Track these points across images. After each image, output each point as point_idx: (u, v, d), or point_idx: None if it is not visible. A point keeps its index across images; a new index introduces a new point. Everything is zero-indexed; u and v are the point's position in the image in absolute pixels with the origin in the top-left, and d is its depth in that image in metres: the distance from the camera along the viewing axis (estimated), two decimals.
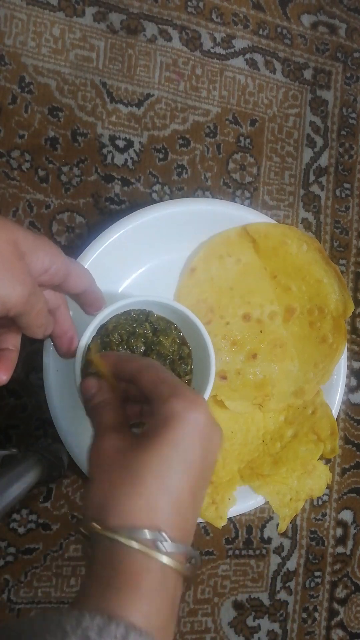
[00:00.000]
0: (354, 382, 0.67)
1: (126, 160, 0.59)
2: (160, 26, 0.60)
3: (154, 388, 0.34)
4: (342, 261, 0.66)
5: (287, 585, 0.63)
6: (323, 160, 0.66)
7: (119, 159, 0.59)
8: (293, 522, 0.64)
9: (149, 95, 0.60)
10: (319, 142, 0.66)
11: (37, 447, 0.52)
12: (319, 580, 0.65)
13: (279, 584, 0.63)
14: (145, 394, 0.35)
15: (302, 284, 0.57)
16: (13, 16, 0.55)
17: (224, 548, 0.61)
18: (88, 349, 0.48)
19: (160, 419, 0.31)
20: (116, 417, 0.36)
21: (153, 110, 0.60)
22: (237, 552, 0.62)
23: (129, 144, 0.59)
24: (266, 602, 0.63)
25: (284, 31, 0.65)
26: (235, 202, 0.61)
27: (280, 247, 0.57)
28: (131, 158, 0.59)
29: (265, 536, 0.63)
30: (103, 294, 0.42)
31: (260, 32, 0.64)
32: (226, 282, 0.57)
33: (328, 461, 0.65)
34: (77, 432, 0.51)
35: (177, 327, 0.51)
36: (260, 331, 0.57)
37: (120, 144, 0.59)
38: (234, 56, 0.63)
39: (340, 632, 0.66)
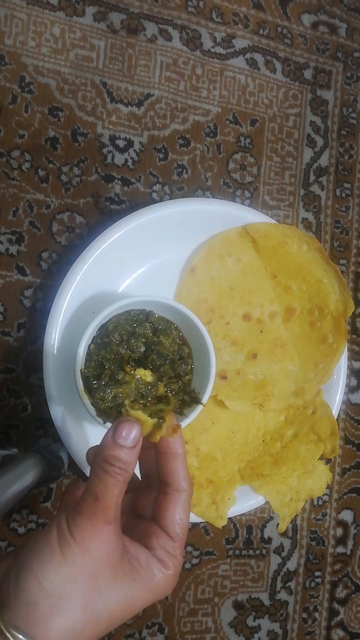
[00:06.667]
0: (354, 382, 0.67)
1: (126, 160, 0.59)
2: (160, 26, 0.60)
3: (173, 525, 0.32)
4: (342, 261, 0.66)
5: (287, 585, 0.63)
6: (323, 160, 0.66)
7: (119, 158, 0.59)
8: (293, 522, 0.64)
9: (149, 95, 0.60)
10: (319, 142, 0.66)
11: (37, 447, 0.52)
12: (319, 580, 0.65)
13: (279, 584, 0.63)
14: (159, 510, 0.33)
15: (302, 283, 0.57)
16: (13, 16, 0.55)
17: (224, 548, 0.61)
18: (88, 350, 0.48)
19: (153, 569, 0.31)
20: (121, 498, 0.31)
21: (153, 110, 0.60)
22: (237, 552, 0.62)
23: (129, 143, 0.59)
24: (266, 602, 0.63)
25: (284, 31, 0.65)
26: (236, 202, 0.61)
27: (281, 247, 0.57)
28: (131, 158, 0.59)
29: (266, 536, 0.63)
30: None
31: (261, 31, 0.64)
32: (226, 281, 0.57)
33: (328, 461, 0.65)
34: (77, 432, 0.51)
35: (177, 327, 0.51)
36: (261, 331, 0.57)
37: (121, 143, 0.59)
38: (234, 56, 0.63)
39: (341, 632, 0.66)
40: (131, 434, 0.31)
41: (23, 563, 0.28)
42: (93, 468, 0.31)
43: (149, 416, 0.32)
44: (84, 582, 0.28)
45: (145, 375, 0.34)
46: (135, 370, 0.35)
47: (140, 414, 0.32)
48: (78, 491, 0.35)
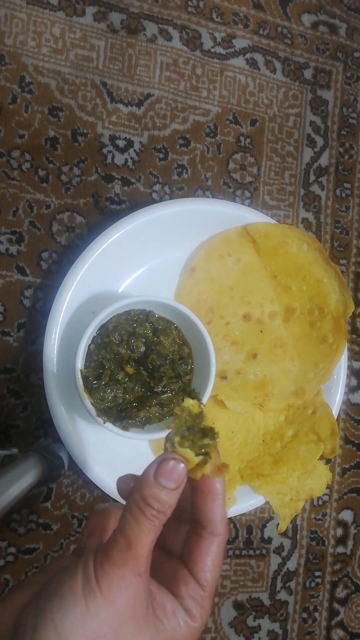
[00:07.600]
0: (354, 382, 0.67)
1: (126, 160, 0.59)
2: (160, 26, 0.60)
3: (203, 573, 0.30)
4: (342, 261, 0.66)
5: (287, 585, 0.63)
6: (323, 160, 0.66)
7: (119, 158, 0.59)
8: (293, 522, 0.64)
9: (149, 95, 0.60)
10: (319, 141, 0.66)
11: (37, 447, 0.52)
12: (319, 580, 0.65)
13: (279, 584, 0.63)
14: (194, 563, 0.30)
15: (302, 283, 0.57)
16: (13, 16, 0.55)
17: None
18: (88, 350, 0.48)
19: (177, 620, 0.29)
20: (154, 542, 0.28)
21: (153, 110, 0.60)
22: (237, 552, 0.62)
23: (129, 143, 0.59)
24: (266, 602, 0.63)
25: (285, 31, 0.65)
26: (236, 202, 0.61)
27: (281, 247, 0.57)
28: (131, 158, 0.59)
29: (266, 536, 0.63)
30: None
31: (261, 31, 0.64)
32: (226, 281, 0.57)
33: (328, 461, 0.65)
34: (77, 432, 0.51)
35: (177, 327, 0.51)
36: (261, 331, 0.57)
37: (121, 143, 0.59)
38: (234, 56, 0.63)
39: (341, 632, 0.66)
40: (175, 474, 0.28)
41: (44, 607, 0.26)
42: (129, 505, 0.29)
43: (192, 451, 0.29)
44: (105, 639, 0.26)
45: (193, 406, 0.32)
46: (183, 399, 0.32)
47: (187, 452, 0.29)
48: (106, 516, 0.33)
